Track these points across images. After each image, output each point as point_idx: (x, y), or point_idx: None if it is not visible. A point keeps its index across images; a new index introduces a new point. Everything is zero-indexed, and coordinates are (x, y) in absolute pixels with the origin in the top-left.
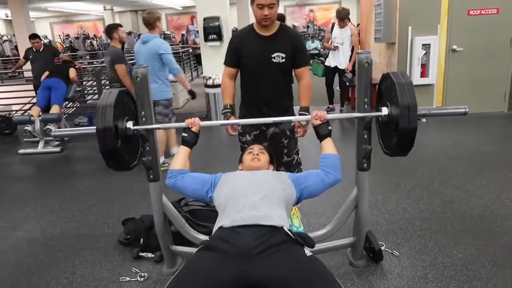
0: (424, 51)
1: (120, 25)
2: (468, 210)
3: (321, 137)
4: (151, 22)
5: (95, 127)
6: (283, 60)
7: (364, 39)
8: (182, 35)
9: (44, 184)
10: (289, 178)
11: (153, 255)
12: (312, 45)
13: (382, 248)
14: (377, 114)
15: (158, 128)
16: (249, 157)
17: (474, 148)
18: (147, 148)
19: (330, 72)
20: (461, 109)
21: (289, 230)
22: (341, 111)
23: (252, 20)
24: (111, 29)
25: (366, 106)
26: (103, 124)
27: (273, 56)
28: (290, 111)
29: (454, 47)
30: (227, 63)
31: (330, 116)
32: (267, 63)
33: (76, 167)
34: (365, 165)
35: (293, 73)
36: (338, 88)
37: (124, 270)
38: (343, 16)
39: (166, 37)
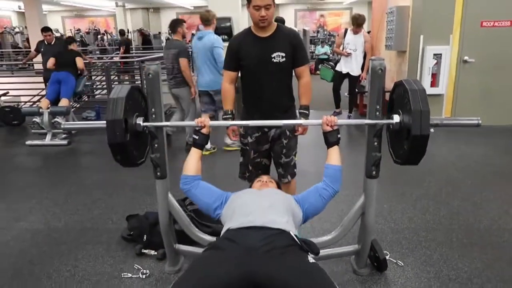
0: (435, 61)
1: (184, 21)
2: (475, 223)
3: (329, 144)
4: (209, 19)
5: (104, 121)
6: (284, 59)
7: (375, 46)
8: (192, 34)
9: (50, 176)
10: (294, 199)
11: (155, 253)
12: (321, 50)
13: (387, 257)
14: (389, 122)
15: (168, 126)
16: (258, 184)
17: (482, 160)
18: (156, 145)
19: (340, 78)
20: (474, 121)
21: (295, 235)
22: (348, 117)
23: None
24: (176, 24)
25: (377, 113)
26: (113, 116)
27: (273, 56)
28: (292, 112)
29: (466, 58)
30: (227, 67)
31: (340, 121)
32: (268, 63)
33: (82, 160)
34: (373, 172)
35: (293, 73)
36: (346, 94)
37: (126, 266)
38: (360, 22)
39: None
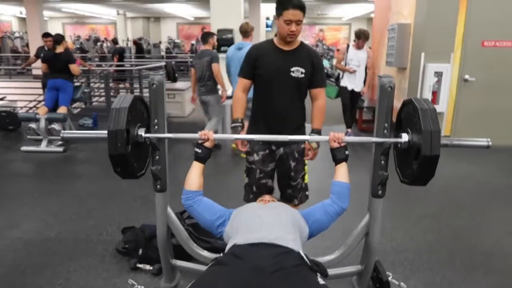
0: (436, 79)
1: (214, 33)
2: (477, 245)
3: (337, 161)
4: (248, 31)
5: (106, 131)
6: (302, 75)
7: (375, 62)
8: (192, 44)
9: (44, 184)
10: (300, 213)
11: (151, 268)
12: None
13: (389, 278)
14: (397, 141)
15: (170, 138)
16: (261, 203)
17: (484, 180)
18: (157, 157)
19: (347, 94)
20: (483, 142)
21: (305, 255)
22: (347, 133)
23: (262, 35)
24: (207, 36)
25: (385, 131)
26: (115, 127)
27: (292, 70)
28: (302, 132)
29: (467, 77)
30: (242, 74)
31: (347, 139)
32: (285, 76)
33: (78, 168)
34: (379, 192)
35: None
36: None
37: (120, 281)
38: (367, 36)
39: (175, 45)
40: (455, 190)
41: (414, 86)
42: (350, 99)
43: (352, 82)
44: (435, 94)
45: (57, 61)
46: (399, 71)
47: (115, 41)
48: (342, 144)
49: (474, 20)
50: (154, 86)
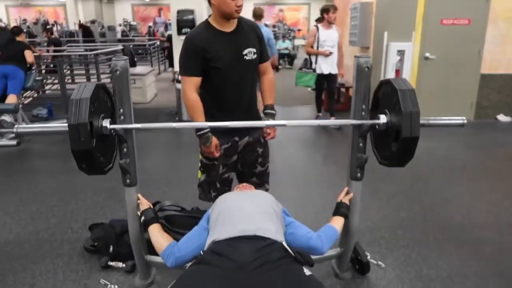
0: (399, 57)
1: None
2: (447, 219)
3: (338, 212)
4: (261, 14)
5: (63, 123)
6: (255, 56)
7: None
8: (149, 27)
9: None
10: (280, 209)
11: (124, 265)
12: (283, 45)
13: (367, 258)
14: (375, 122)
15: (138, 128)
16: (238, 190)
17: (447, 155)
18: (125, 149)
19: (322, 80)
20: (459, 121)
21: (288, 245)
22: (317, 117)
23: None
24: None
25: (363, 113)
26: (76, 120)
27: (244, 53)
28: (258, 114)
29: (427, 54)
30: (191, 72)
31: (325, 122)
32: (240, 62)
33: (35, 163)
34: (358, 174)
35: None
36: (310, 89)
37: (91, 282)
38: (336, 7)
39: (131, 28)
40: (421, 166)
41: (377, 65)
42: (328, 83)
43: (329, 65)
44: (397, 72)
45: (12, 46)
46: (362, 50)
47: (49, 30)
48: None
49: None
50: (118, 72)
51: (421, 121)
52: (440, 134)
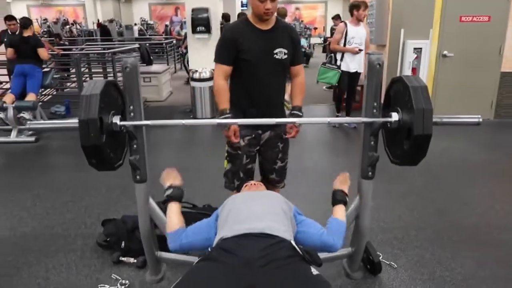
0: (416, 55)
1: None
2: (462, 220)
3: (335, 201)
4: (284, 13)
5: (76, 120)
6: (286, 56)
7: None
8: (166, 26)
9: (15, 177)
10: (292, 209)
11: (135, 260)
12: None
13: (379, 258)
14: (387, 120)
15: (147, 125)
16: (246, 188)
17: (463, 155)
18: (135, 146)
19: (346, 78)
20: (474, 119)
21: (296, 244)
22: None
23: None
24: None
25: (375, 110)
26: (87, 116)
27: (275, 52)
28: (284, 112)
29: (445, 52)
30: (222, 60)
31: (336, 120)
32: (269, 59)
33: (51, 159)
34: (369, 173)
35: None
36: (325, 88)
37: (102, 276)
38: (367, 4)
39: (148, 27)
40: (435, 166)
41: (393, 63)
42: (351, 82)
43: (357, 63)
44: (414, 70)
45: (24, 45)
46: (379, 48)
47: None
48: (346, 191)
49: None
50: (128, 69)
51: (434, 119)
52: (456, 133)
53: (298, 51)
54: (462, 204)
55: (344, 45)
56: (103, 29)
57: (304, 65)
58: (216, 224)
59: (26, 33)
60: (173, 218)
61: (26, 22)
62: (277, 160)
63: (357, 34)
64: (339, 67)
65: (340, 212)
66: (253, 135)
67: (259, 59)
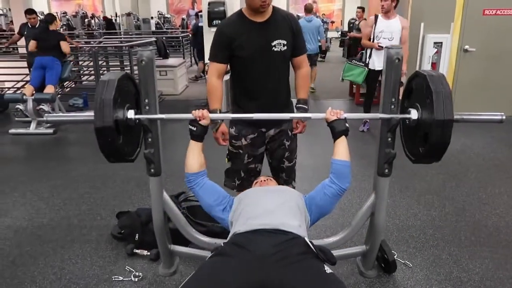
0: (436, 50)
1: None
2: (482, 220)
3: (336, 134)
4: (311, 9)
5: (92, 114)
6: (285, 47)
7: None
8: (183, 19)
9: (34, 168)
10: (303, 198)
11: (148, 253)
12: None
13: (394, 257)
14: (405, 117)
15: (162, 119)
16: (257, 185)
17: (484, 153)
18: (149, 139)
19: (374, 77)
20: (497, 116)
21: (310, 241)
22: (365, 124)
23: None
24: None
25: (392, 106)
26: (102, 123)
27: (273, 44)
28: (291, 107)
29: (467, 47)
30: (215, 58)
31: (353, 115)
32: (268, 53)
33: (69, 151)
34: (386, 170)
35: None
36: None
37: (116, 268)
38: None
39: (165, 20)
40: (455, 164)
41: (412, 57)
42: (371, 80)
43: (382, 61)
44: (434, 65)
45: (49, 38)
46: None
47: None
48: (341, 117)
49: None
50: (143, 62)
51: (455, 116)
52: (477, 131)
53: (300, 41)
54: (481, 203)
55: (373, 40)
56: (108, 23)
57: (320, 59)
58: (228, 209)
59: (51, 27)
60: (191, 159)
61: (49, 19)
62: (284, 159)
63: (388, 28)
64: (366, 64)
65: (341, 149)
66: (256, 134)
67: (256, 54)
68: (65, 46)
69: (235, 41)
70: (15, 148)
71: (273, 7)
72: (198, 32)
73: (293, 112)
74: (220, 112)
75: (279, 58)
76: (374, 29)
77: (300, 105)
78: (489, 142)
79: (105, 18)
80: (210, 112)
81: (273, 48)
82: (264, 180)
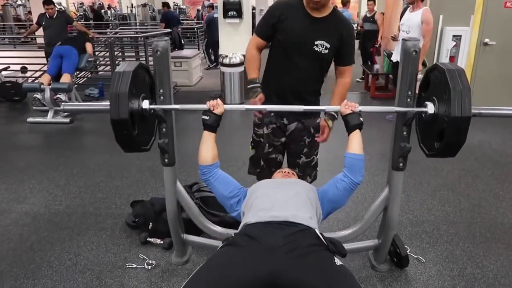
0: (454, 43)
1: None
2: (498, 216)
3: (350, 128)
4: (346, 2)
5: (108, 103)
6: (326, 51)
7: (389, 26)
8: (198, 10)
9: (51, 156)
10: (316, 191)
11: (161, 242)
12: None
13: (407, 252)
14: (421, 110)
15: (176, 109)
16: (279, 174)
17: (501, 150)
18: (164, 129)
19: (396, 69)
20: None
21: (320, 234)
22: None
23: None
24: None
25: (409, 100)
26: (118, 116)
27: (316, 43)
28: (315, 103)
29: (486, 40)
30: (259, 33)
31: (368, 108)
32: (307, 48)
33: (85, 140)
34: (401, 164)
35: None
36: (358, 79)
37: (130, 256)
38: None
39: (181, 11)
40: (471, 160)
41: (430, 50)
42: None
43: (398, 53)
44: (452, 59)
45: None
46: None
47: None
48: (356, 110)
49: None
50: (158, 53)
51: (473, 111)
52: (495, 126)
53: (348, 51)
54: (498, 200)
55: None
56: (96, 15)
57: None
58: (242, 201)
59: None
60: (205, 151)
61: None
62: (301, 155)
63: (408, 21)
64: (389, 56)
65: (355, 143)
66: (278, 124)
67: (295, 45)
68: (89, 48)
69: (282, 23)
70: (33, 136)
71: (334, 8)
72: (210, 24)
73: (318, 113)
74: (259, 82)
75: (317, 58)
76: (400, 21)
77: (329, 112)
78: (507, 138)
79: (92, 9)
80: (249, 80)
81: (314, 47)
82: (288, 173)
